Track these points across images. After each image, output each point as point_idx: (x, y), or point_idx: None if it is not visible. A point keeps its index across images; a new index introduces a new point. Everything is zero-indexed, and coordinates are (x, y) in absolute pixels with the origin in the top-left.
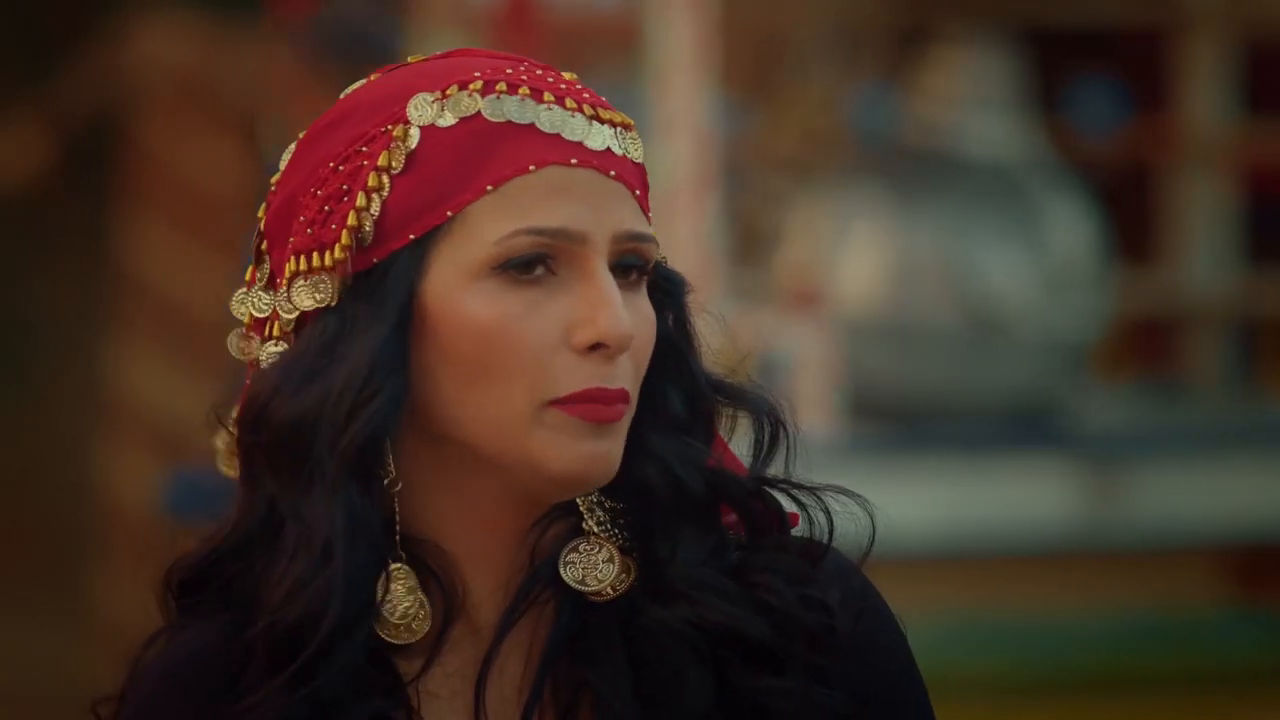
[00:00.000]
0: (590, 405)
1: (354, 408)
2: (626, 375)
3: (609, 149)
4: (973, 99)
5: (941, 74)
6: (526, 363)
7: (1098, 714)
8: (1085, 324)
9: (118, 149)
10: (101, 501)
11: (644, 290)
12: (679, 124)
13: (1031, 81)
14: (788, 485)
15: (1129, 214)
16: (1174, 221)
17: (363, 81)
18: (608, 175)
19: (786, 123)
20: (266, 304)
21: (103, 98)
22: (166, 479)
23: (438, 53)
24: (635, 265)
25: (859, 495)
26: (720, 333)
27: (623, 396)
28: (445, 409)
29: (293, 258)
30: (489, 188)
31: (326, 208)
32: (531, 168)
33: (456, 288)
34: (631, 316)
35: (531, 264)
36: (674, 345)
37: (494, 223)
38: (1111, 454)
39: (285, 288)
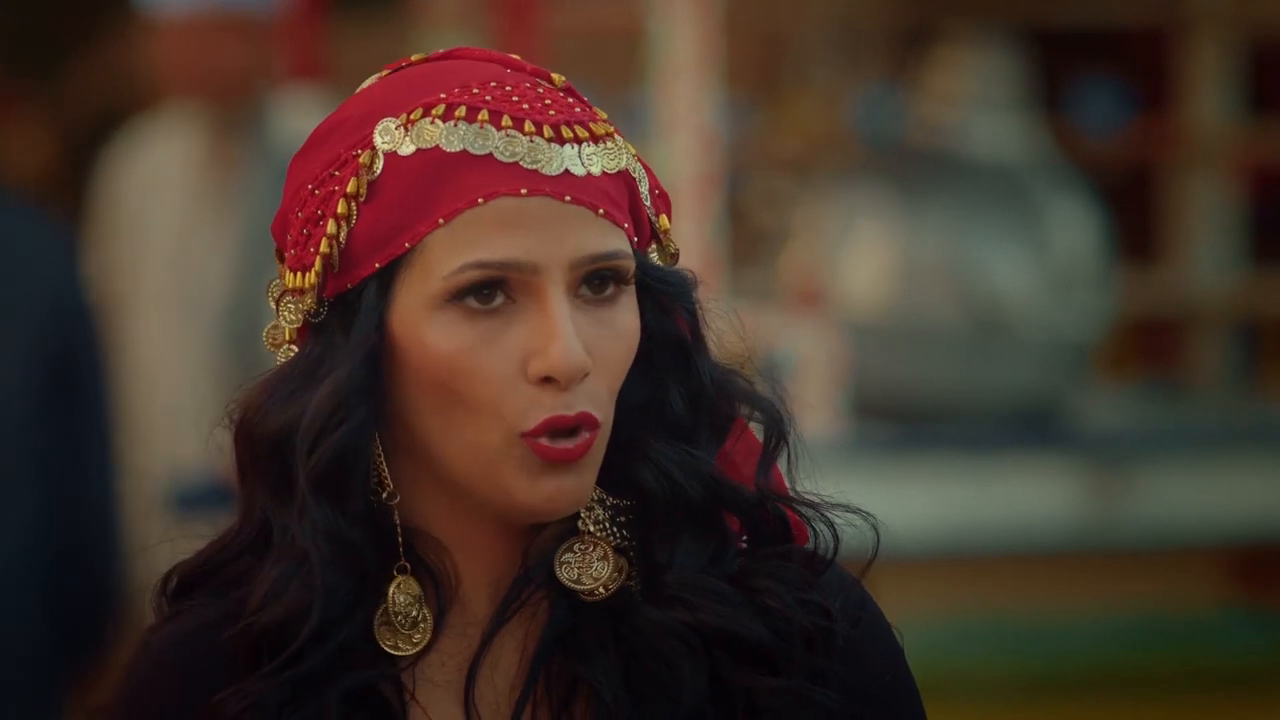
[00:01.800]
0: (548, 445)
1: (320, 434)
2: (591, 397)
3: (567, 171)
4: (977, 99)
5: (945, 74)
6: (490, 395)
7: (1099, 714)
8: (1089, 324)
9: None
10: None
11: (624, 301)
12: (682, 124)
13: (1035, 81)
14: (790, 500)
15: (1133, 214)
16: (1177, 221)
17: (365, 84)
18: (563, 201)
19: (790, 122)
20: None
21: (110, 96)
22: (170, 478)
23: (438, 51)
24: (609, 278)
25: (863, 511)
26: (732, 328)
27: (585, 421)
28: (421, 432)
29: (286, 273)
30: (441, 221)
31: (305, 230)
32: (480, 200)
33: (418, 319)
34: (601, 333)
35: (489, 294)
36: (681, 347)
37: (445, 256)
38: (1115, 454)
39: (279, 302)
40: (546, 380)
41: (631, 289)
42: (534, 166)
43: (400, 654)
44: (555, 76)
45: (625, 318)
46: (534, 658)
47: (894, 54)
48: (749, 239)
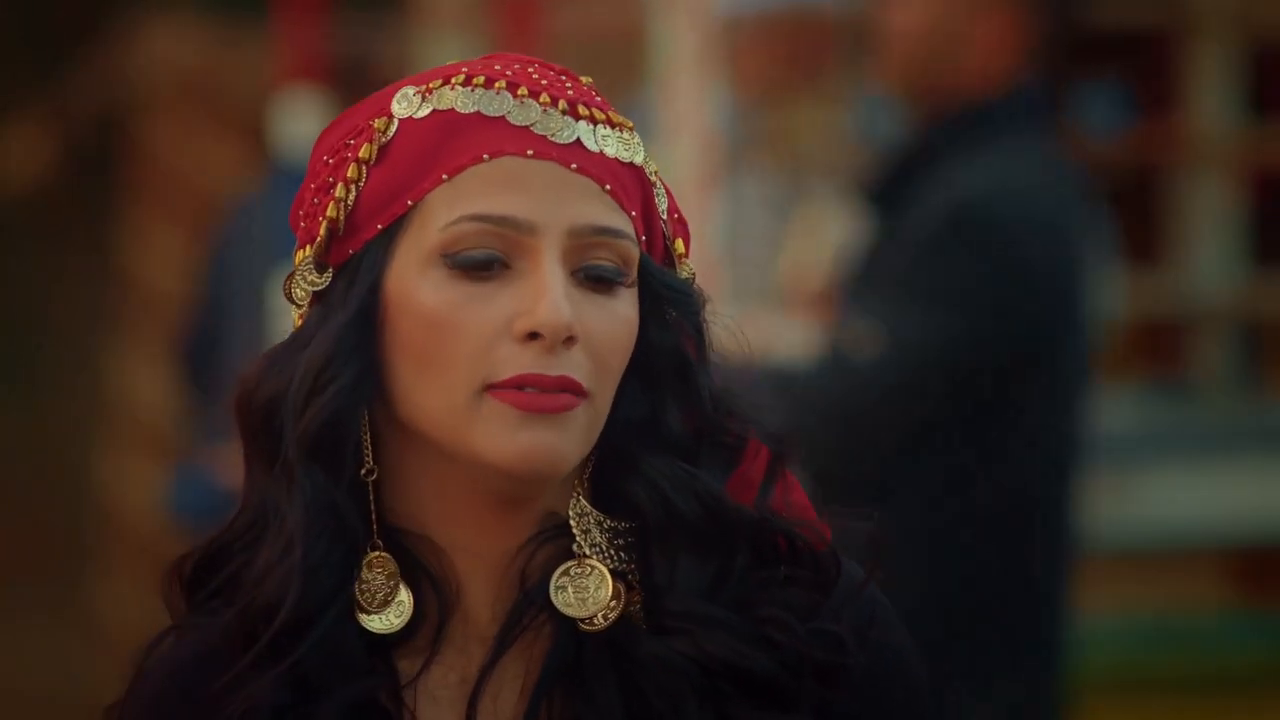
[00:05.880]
0: (523, 394)
1: (310, 394)
2: (577, 367)
3: (578, 141)
4: None
5: None
6: (468, 351)
7: (1101, 715)
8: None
9: (123, 151)
10: (104, 504)
11: (624, 293)
12: (684, 125)
13: None
14: (788, 521)
15: (1135, 216)
16: (1180, 224)
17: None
18: (569, 168)
19: (791, 124)
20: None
21: (108, 99)
22: (170, 480)
23: (483, 56)
24: (607, 274)
25: (868, 523)
26: (736, 341)
27: (565, 384)
28: (404, 397)
29: (298, 252)
30: (444, 176)
31: (316, 200)
32: (485, 157)
33: (412, 276)
34: (596, 314)
35: (487, 260)
36: (683, 363)
37: (444, 210)
38: (1117, 455)
39: (290, 280)
40: (531, 338)
41: (634, 290)
42: (544, 133)
43: (383, 632)
44: (583, 78)
45: (623, 307)
46: (535, 690)
47: None
48: (748, 239)
